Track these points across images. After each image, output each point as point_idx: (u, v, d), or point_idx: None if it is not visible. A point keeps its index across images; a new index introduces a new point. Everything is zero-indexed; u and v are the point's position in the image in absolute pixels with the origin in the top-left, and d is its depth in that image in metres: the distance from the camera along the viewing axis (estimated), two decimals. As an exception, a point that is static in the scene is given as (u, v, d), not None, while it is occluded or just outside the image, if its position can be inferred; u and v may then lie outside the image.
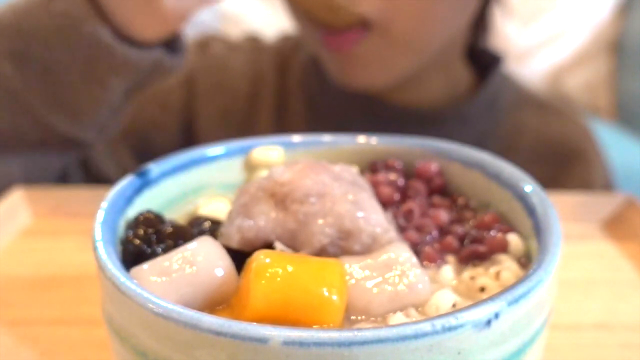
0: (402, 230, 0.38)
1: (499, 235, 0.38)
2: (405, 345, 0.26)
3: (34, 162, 0.65)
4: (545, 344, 0.33)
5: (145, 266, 0.33)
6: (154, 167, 0.41)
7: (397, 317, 0.32)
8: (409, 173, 0.44)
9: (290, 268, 0.31)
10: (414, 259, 0.34)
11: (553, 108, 0.89)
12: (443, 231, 0.40)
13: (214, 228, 0.38)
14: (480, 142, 0.76)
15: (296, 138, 0.46)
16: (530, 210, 0.37)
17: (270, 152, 0.44)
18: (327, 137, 0.46)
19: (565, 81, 1.78)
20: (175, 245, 0.35)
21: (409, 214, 0.39)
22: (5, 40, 0.58)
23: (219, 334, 0.26)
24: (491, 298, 0.29)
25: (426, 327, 0.27)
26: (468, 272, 0.36)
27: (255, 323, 0.27)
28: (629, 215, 0.62)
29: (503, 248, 0.37)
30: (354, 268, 0.33)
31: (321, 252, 0.34)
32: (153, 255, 0.35)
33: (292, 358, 0.26)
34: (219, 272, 0.32)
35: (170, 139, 0.82)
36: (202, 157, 0.43)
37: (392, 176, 0.43)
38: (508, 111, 0.84)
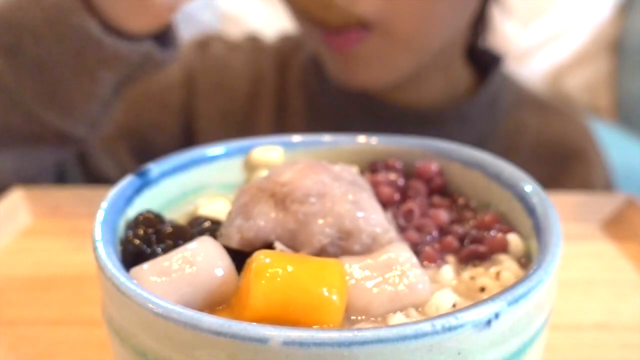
0: (402, 230, 0.38)
1: (499, 235, 0.38)
2: (405, 346, 0.26)
3: (26, 158, 0.65)
4: (545, 344, 0.33)
5: (145, 266, 0.33)
6: (154, 167, 0.41)
7: (397, 317, 0.32)
8: (409, 173, 0.44)
9: (290, 268, 0.31)
10: (414, 259, 0.34)
11: (553, 108, 0.89)
12: (443, 231, 0.39)
13: (213, 228, 0.38)
14: (480, 142, 0.76)
15: (296, 138, 0.46)
16: (531, 210, 0.37)
17: (270, 152, 0.44)
18: (327, 137, 0.46)
19: (565, 81, 1.78)
20: (175, 245, 0.35)
21: (409, 214, 0.39)
22: None
23: (218, 334, 0.26)
24: (491, 298, 0.28)
25: (426, 327, 0.27)
26: (468, 272, 0.36)
27: (255, 323, 0.27)
28: (629, 215, 0.62)
29: (503, 248, 0.37)
30: (354, 268, 0.33)
31: (321, 252, 0.34)
32: (153, 255, 0.35)
33: (292, 358, 0.26)
34: (219, 272, 0.32)
35: (170, 139, 0.82)
36: (202, 157, 0.43)
37: (392, 176, 0.42)
38: (508, 111, 0.84)
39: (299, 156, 0.45)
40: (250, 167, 0.44)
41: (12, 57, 0.58)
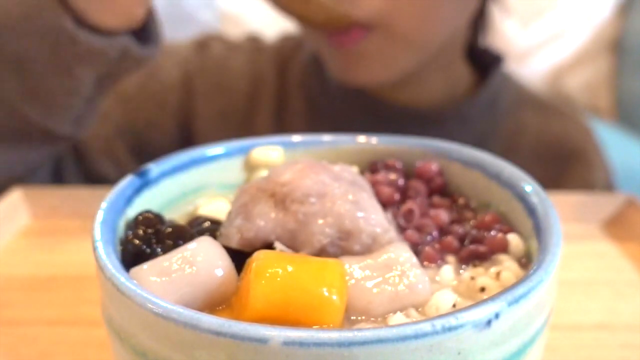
0: (402, 230, 0.38)
1: (499, 235, 0.38)
2: (405, 346, 0.26)
3: (14, 156, 0.65)
4: (545, 344, 0.33)
5: (144, 266, 0.33)
6: (154, 167, 0.41)
7: (397, 318, 0.32)
8: (409, 173, 0.44)
9: (290, 268, 0.31)
10: (414, 259, 0.34)
11: (554, 108, 0.89)
12: (443, 231, 0.39)
13: (213, 228, 0.38)
14: (480, 142, 0.76)
15: (296, 138, 0.46)
16: (531, 210, 0.37)
17: (270, 152, 0.44)
18: (327, 137, 0.46)
19: (565, 81, 1.78)
20: (175, 245, 0.35)
21: (409, 214, 0.39)
22: None
23: (218, 334, 0.26)
24: (491, 298, 0.28)
25: (426, 327, 0.27)
26: (468, 272, 0.36)
27: (255, 323, 0.27)
28: (630, 215, 0.62)
29: (503, 248, 0.37)
30: (354, 268, 0.33)
31: (321, 252, 0.34)
32: (153, 255, 0.35)
33: (292, 358, 0.26)
34: (219, 272, 0.32)
35: (168, 138, 0.82)
36: (202, 157, 0.43)
37: (392, 176, 0.42)
38: (508, 111, 0.84)
39: (299, 156, 0.45)
40: (250, 167, 0.44)
41: None
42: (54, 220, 0.63)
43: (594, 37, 1.76)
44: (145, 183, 0.40)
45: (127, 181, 0.39)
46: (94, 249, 0.33)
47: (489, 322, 0.28)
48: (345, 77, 0.74)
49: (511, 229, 0.39)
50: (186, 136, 0.83)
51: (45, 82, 0.59)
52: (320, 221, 0.34)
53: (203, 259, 0.33)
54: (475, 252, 0.37)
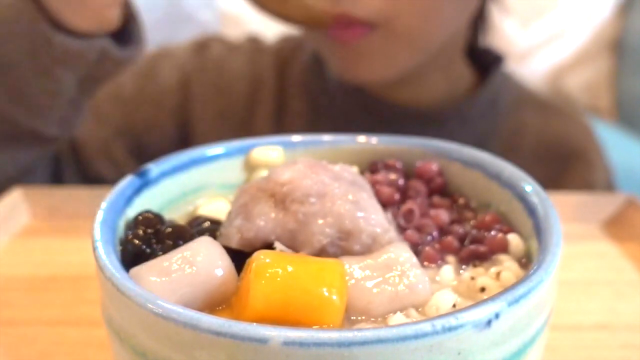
0: (402, 230, 0.38)
1: (500, 235, 0.38)
2: (405, 346, 0.26)
3: (4, 157, 0.65)
4: (545, 344, 0.33)
5: (144, 266, 0.33)
6: (154, 167, 0.41)
7: (397, 318, 0.32)
8: (409, 173, 0.44)
9: (290, 268, 0.31)
10: (414, 259, 0.34)
11: (555, 108, 0.88)
12: (443, 231, 0.39)
13: (213, 228, 0.38)
14: (481, 142, 0.76)
15: (296, 138, 0.46)
16: (531, 211, 0.37)
17: (270, 152, 0.44)
18: (327, 137, 0.46)
19: (565, 81, 1.78)
20: (175, 245, 0.35)
21: (409, 214, 0.39)
22: None
23: (218, 334, 0.26)
24: (491, 298, 0.28)
25: (426, 327, 0.27)
26: (468, 272, 0.36)
27: (255, 323, 0.27)
28: (630, 215, 0.62)
29: (503, 248, 0.37)
30: (354, 268, 0.33)
31: (321, 252, 0.34)
32: (152, 255, 0.35)
33: (292, 358, 0.26)
34: (219, 273, 0.32)
35: (166, 140, 0.82)
36: (202, 157, 0.43)
37: (392, 176, 0.42)
38: (509, 111, 0.84)
39: (299, 156, 0.44)
40: (250, 167, 0.44)
41: None
42: (54, 220, 0.63)
43: (594, 37, 1.76)
44: (145, 183, 0.40)
45: (127, 181, 0.39)
46: (94, 249, 0.33)
47: (489, 322, 0.28)
48: (345, 75, 0.74)
49: (511, 229, 0.39)
50: (185, 137, 0.83)
51: (27, 84, 0.60)
52: (320, 221, 0.34)
53: (203, 259, 0.33)
54: (475, 252, 0.37)
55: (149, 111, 0.82)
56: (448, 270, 0.36)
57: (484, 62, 0.84)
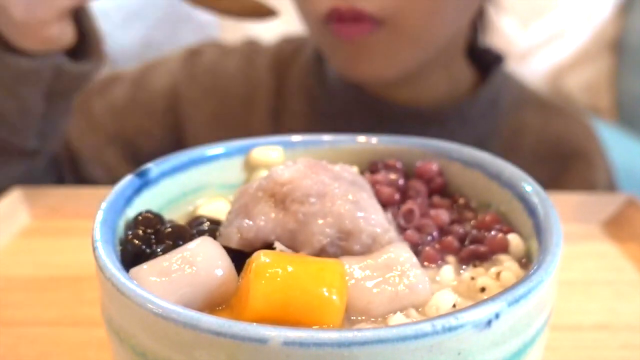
0: (402, 230, 0.38)
1: (500, 235, 0.38)
2: (405, 346, 0.26)
3: None
4: (545, 345, 0.33)
5: (144, 266, 0.32)
6: (154, 167, 0.41)
7: (397, 318, 0.31)
8: (409, 173, 0.44)
9: (290, 268, 0.31)
10: (414, 259, 0.34)
11: (555, 107, 0.88)
12: (443, 231, 0.39)
13: (213, 228, 0.38)
14: (481, 142, 0.76)
15: (296, 138, 0.46)
16: (531, 211, 0.37)
17: (270, 152, 0.44)
18: (327, 137, 0.46)
19: (565, 81, 1.78)
20: (175, 245, 0.35)
21: (409, 214, 0.39)
22: None
23: (218, 334, 0.26)
24: (491, 298, 0.28)
25: (426, 327, 0.26)
26: (468, 273, 0.36)
27: (255, 323, 0.27)
28: (630, 215, 0.62)
29: (504, 248, 0.37)
30: (354, 268, 0.33)
31: (321, 253, 0.34)
32: (152, 255, 0.35)
33: (292, 358, 0.26)
34: (219, 273, 0.32)
35: (159, 144, 0.84)
36: (201, 157, 0.43)
37: (392, 176, 0.42)
38: (510, 110, 0.84)
39: (299, 156, 0.44)
40: (250, 167, 0.44)
41: None
42: (54, 220, 0.63)
43: (594, 37, 1.76)
44: (145, 183, 0.40)
45: (127, 181, 0.39)
46: (94, 249, 0.33)
47: (489, 322, 0.28)
48: (348, 72, 0.73)
49: (511, 229, 0.39)
50: (177, 140, 0.84)
51: (3, 95, 0.63)
52: (320, 221, 0.34)
53: (203, 259, 0.33)
54: (475, 252, 0.37)
55: (140, 118, 0.84)
56: (448, 270, 0.36)
57: (485, 62, 0.84)
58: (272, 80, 0.85)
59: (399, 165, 0.44)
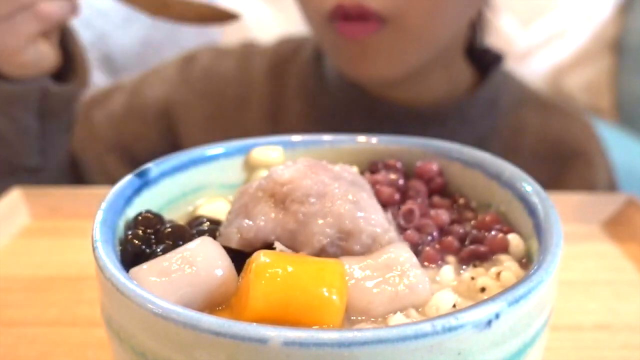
0: (402, 230, 0.38)
1: (500, 235, 0.38)
2: (405, 346, 0.26)
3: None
4: (545, 345, 0.33)
5: (144, 266, 0.32)
6: (154, 167, 0.41)
7: (397, 318, 0.31)
8: (409, 173, 0.44)
9: (290, 268, 0.31)
10: (414, 259, 0.34)
11: (556, 106, 0.88)
12: (443, 231, 0.39)
13: (213, 228, 0.38)
14: (481, 141, 0.76)
15: (296, 138, 0.46)
16: (531, 211, 0.37)
17: (270, 152, 0.44)
18: (327, 137, 0.46)
19: (565, 81, 1.78)
20: (175, 245, 0.35)
21: (409, 215, 0.39)
22: None
23: (218, 334, 0.26)
24: (492, 298, 0.28)
25: (426, 327, 0.26)
26: (468, 273, 0.36)
27: (255, 323, 0.27)
28: (630, 215, 0.62)
29: (504, 248, 0.37)
30: (354, 268, 0.33)
31: (321, 253, 0.34)
32: (152, 255, 0.35)
33: (292, 358, 0.26)
34: (219, 273, 0.32)
35: (155, 149, 0.84)
36: (201, 157, 0.43)
37: (392, 176, 0.42)
38: (509, 110, 0.83)
39: (299, 156, 0.44)
40: (250, 167, 0.44)
41: None
42: (54, 220, 0.63)
43: (594, 37, 1.76)
44: (144, 183, 0.40)
45: (127, 181, 0.39)
46: (94, 249, 0.33)
47: (489, 323, 0.28)
48: (352, 72, 0.73)
49: (511, 229, 0.39)
50: (174, 145, 0.84)
51: None
52: (320, 221, 0.34)
53: (203, 259, 0.33)
54: (475, 253, 0.37)
55: (136, 125, 0.85)
56: (448, 271, 0.36)
57: (484, 61, 0.84)
58: (269, 80, 0.85)
59: (399, 165, 0.44)
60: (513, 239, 0.37)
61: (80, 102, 0.77)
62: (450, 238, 0.38)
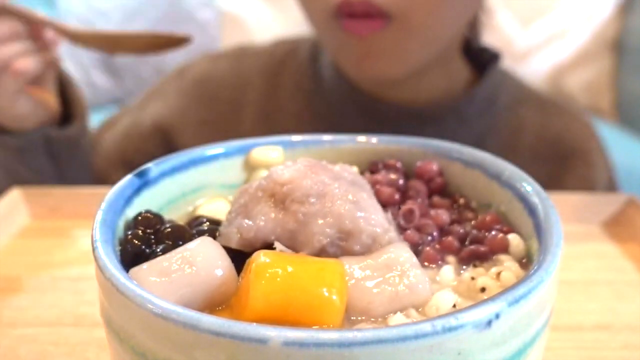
0: (402, 230, 0.38)
1: (500, 235, 0.38)
2: (405, 346, 0.26)
3: None
4: (545, 345, 0.33)
5: (144, 266, 0.32)
6: (153, 167, 0.41)
7: (397, 318, 0.31)
8: (409, 173, 0.44)
9: (290, 268, 0.31)
10: (414, 259, 0.34)
11: (555, 105, 0.88)
12: (443, 231, 0.39)
13: (213, 228, 0.38)
14: (479, 140, 0.76)
15: (296, 138, 0.46)
16: (531, 211, 0.37)
17: (270, 152, 0.44)
18: (327, 137, 0.46)
19: (566, 81, 1.78)
20: (175, 245, 0.35)
21: (409, 215, 0.39)
22: None
23: (218, 334, 0.26)
24: (492, 298, 0.28)
25: (426, 327, 0.26)
26: (468, 273, 0.36)
27: (255, 323, 0.27)
28: (630, 215, 0.62)
29: (504, 248, 0.37)
30: (354, 268, 0.33)
31: (321, 253, 0.34)
32: (152, 255, 0.35)
33: (292, 358, 0.26)
34: (219, 273, 0.32)
35: (153, 157, 0.85)
36: (201, 157, 0.43)
37: (392, 176, 0.42)
38: (508, 108, 0.83)
39: (299, 156, 0.44)
40: (250, 167, 0.44)
41: None
42: (54, 220, 0.63)
43: (594, 37, 1.76)
44: (144, 183, 0.40)
45: (127, 181, 0.39)
46: (94, 249, 0.33)
47: (489, 323, 0.28)
48: (356, 70, 0.73)
49: (512, 229, 0.39)
50: (171, 152, 0.85)
51: (16, 170, 0.73)
52: (320, 221, 0.34)
53: (203, 259, 0.32)
54: (475, 253, 0.37)
55: (136, 141, 0.87)
56: (448, 271, 0.36)
57: (481, 60, 0.84)
58: (264, 81, 0.85)
59: (399, 165, 0.44)
60: (513, 239, 0.37)
61: (93, 131, 0.83)
62: (450, 238, 0.38)
